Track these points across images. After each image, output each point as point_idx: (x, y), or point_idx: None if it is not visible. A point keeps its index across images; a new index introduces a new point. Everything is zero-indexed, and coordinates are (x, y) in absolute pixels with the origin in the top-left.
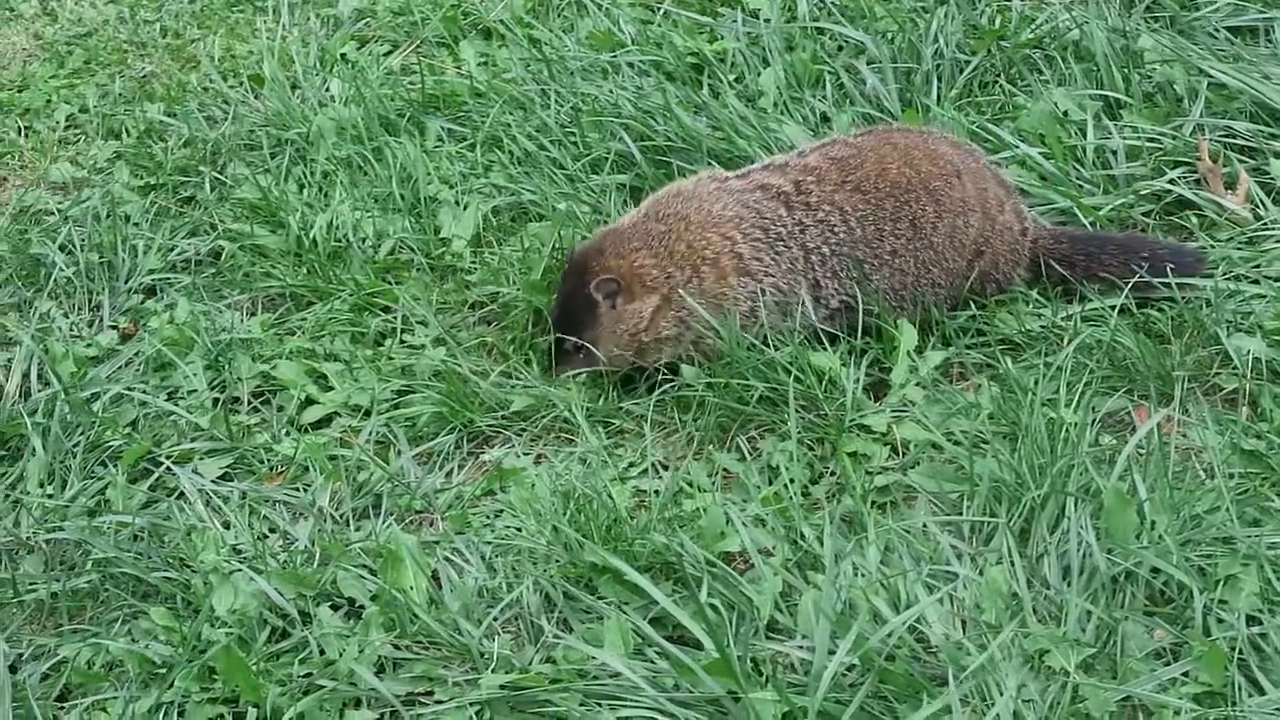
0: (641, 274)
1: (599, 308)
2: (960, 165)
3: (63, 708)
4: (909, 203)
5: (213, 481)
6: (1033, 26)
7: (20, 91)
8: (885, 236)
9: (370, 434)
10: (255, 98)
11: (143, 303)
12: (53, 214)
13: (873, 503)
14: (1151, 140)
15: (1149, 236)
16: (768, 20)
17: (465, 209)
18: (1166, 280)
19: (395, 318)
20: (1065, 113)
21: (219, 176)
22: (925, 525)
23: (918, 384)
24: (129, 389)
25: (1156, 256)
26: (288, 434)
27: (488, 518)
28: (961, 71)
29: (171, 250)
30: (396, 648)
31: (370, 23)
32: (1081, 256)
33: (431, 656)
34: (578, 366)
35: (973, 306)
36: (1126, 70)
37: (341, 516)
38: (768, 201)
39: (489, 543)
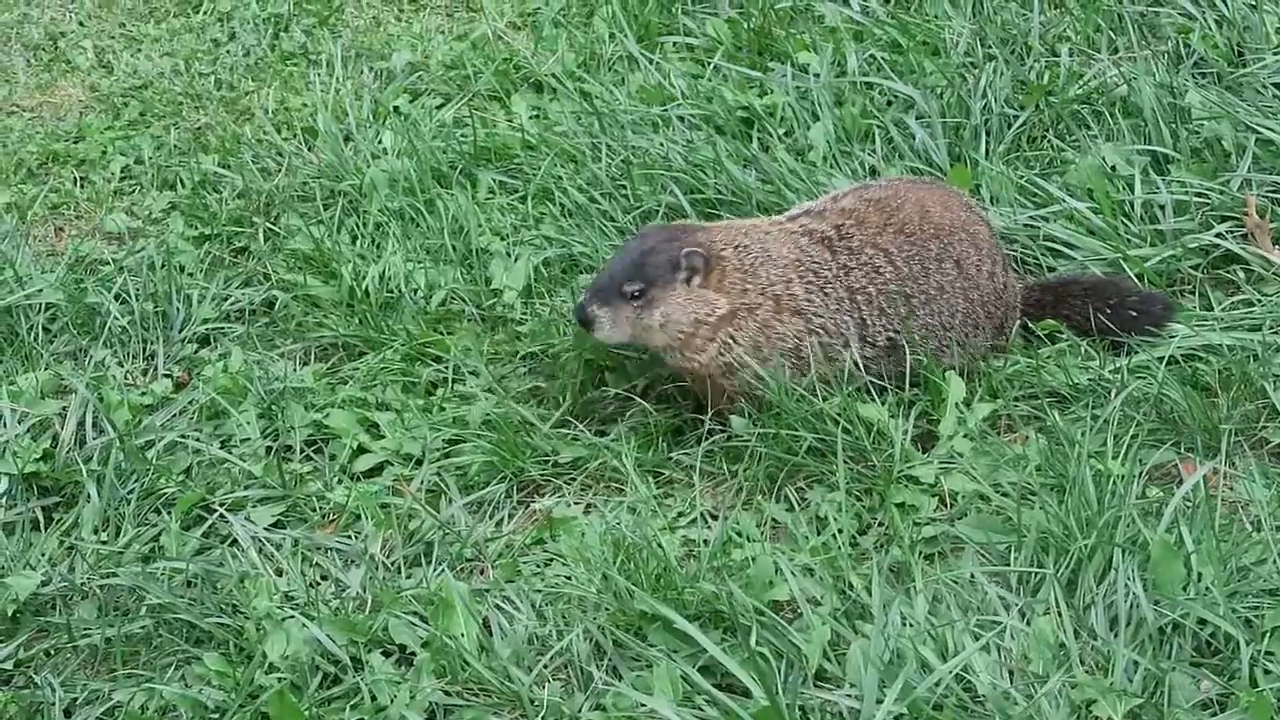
0: (726, 271)
1: (679, 273)
2: (980, 212)
3: None
4: (953, 244)
5: (265, 529)
6: (1081, 82)
7: (76, 143)
8: (931, 274)
9: (422, 482)
10: (309, 150)
11: (197, 352)
12: (108, 264)
13: (921, 553)
14: (1199, 195)
15: (1123, 281)
16: (817, 75)
17: (516, 260)
18: (1146, 328)
19: (446, 368)
20: (1113, 168)
21: (272, 227)
22: (973, 576)
23: (965, 436)
24: (183, 437)
25: (1125, 303)
26: (340, 482)
27: (538, 566)
28: (1010, 126)
29: (225, 300)
30: (447, 694)
31: (423, 76)
32: (1050, 297)
33: (482, 703)
34: (606, 328)
35: (1021, 360)
36: (1174, 126)
37: (393, 564)
38: (813, 246)
39: (539, 591)
